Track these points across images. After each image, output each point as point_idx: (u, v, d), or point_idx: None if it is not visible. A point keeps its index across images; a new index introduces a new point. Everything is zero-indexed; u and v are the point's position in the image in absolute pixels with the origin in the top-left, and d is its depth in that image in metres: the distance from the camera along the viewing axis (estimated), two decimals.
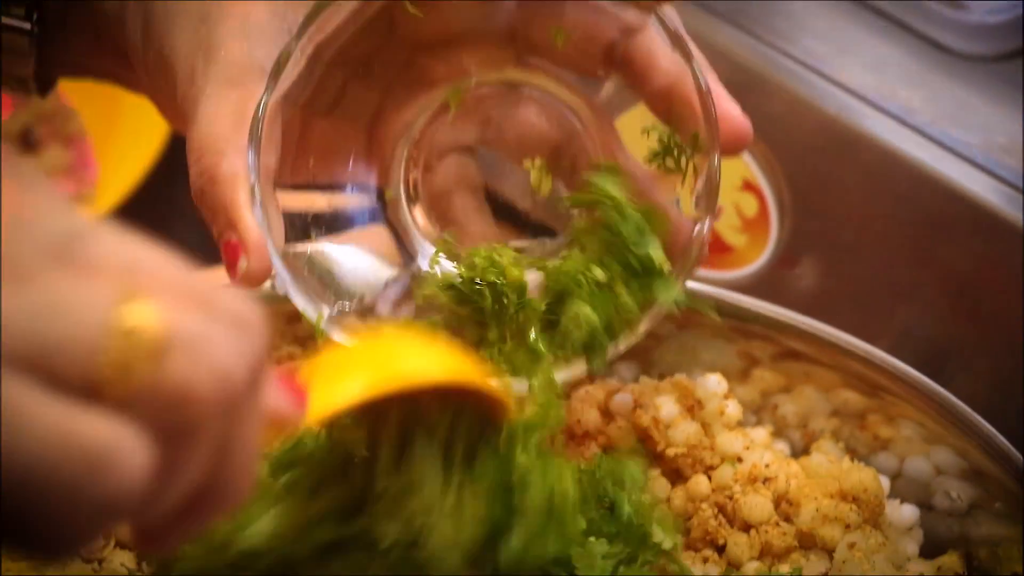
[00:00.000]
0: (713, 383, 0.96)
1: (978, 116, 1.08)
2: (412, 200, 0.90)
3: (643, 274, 0.83)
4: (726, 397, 0.96)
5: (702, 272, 1.10)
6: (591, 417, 0.95)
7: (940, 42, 1.10)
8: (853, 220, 1.08)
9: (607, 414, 0.96)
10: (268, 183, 0.83)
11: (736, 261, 1.11)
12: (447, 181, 0.90)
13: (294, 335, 0.96)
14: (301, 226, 0.86)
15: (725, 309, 0.99)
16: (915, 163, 1.05)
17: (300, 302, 0.82)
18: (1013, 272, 1.01)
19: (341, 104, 0.86)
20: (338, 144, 0.88)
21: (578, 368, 0.84)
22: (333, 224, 0.88)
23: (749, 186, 1.09)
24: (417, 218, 0.90)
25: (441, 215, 0.90)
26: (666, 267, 0.82)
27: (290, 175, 0.85)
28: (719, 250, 1.11)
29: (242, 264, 0.81)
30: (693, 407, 0.95)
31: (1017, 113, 1.07)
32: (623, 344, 0.84)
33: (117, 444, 0.50)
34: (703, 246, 0.83)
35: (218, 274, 0.81)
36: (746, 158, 1.09)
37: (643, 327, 0.84)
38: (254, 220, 0.80)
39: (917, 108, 1.08)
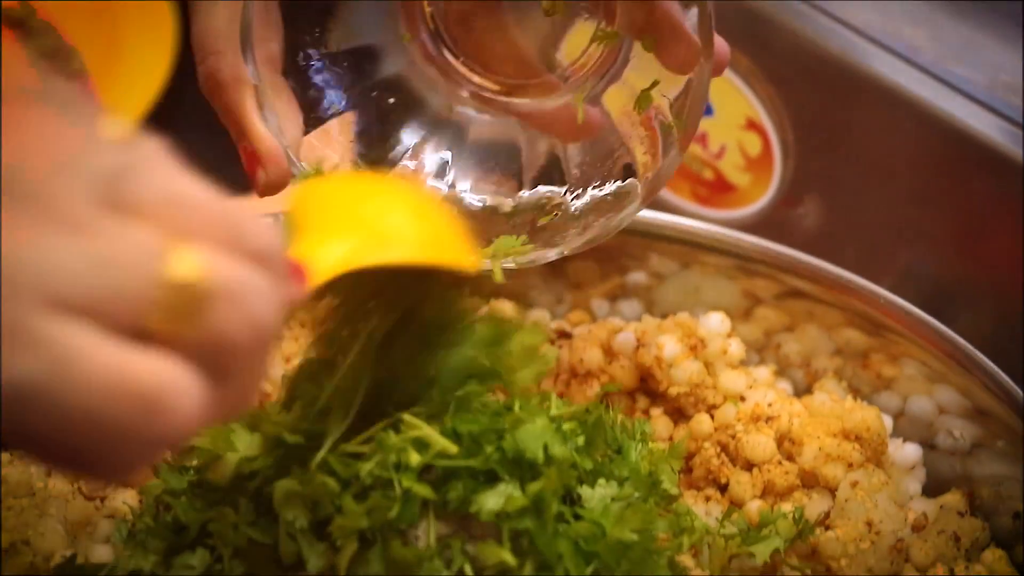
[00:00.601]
0: (716, 322, 0.95)
1: (983, 55, 1.06)
2: (436, 39, 0.88)
3: None
4: (729, 336, 0.95)
5: (705, 211, 1.09)
6: (593, 356, 0.94)
7: None
8: (857, 159, 1.07)
9: (609, 353, 0.95)
10: (275, 73, 0.81)
11: (739, 200, 1.10)
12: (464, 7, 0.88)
13: None
14: (319, 106, 0.85)
15: (728, 248, 0.98)
16: (919, 102, 1.03)
17: None
18: (1017, 210, 0.99)
19: None
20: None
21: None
22: (352, 86, 0.86)
23: (752, 125, 1.08)
24: (445, 54, 0.88)
25: (465, 44, 0.88)
26: None
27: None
28: (722, 190, 1.10)
29: (260, 175, 0.82)
30: (696, 346, 0.94)
31: (1021, 51, 1.05)
32: None
33: (172, 385, 0.53)
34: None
35: (247, 202, 0.81)
36: (750, 97, 1.07)
37: None
38: (263, 127, 0.80)
39: (922, 47, 1.06)
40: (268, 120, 0.81)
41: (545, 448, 0.76)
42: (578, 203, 0.86)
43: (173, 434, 0.54)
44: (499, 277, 0.82)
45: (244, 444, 0.78)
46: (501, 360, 0.78)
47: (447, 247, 0.73)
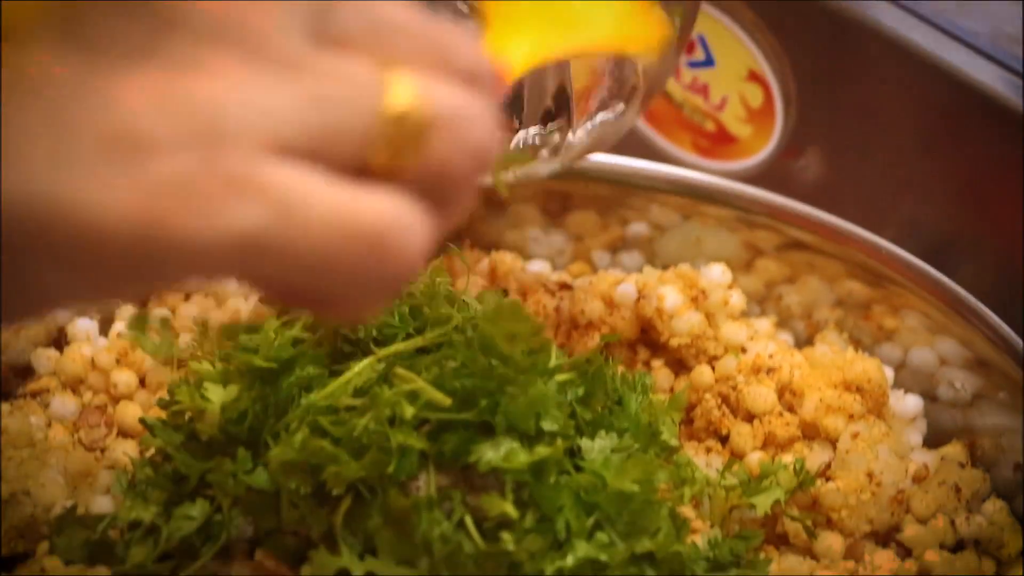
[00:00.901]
0: (717, 273, 0.94)
1: (985, 5, 1.05)
2: None
3: None
4: (730, 287, 0.94)
5: (707, 163, 1.08)
6: (594, 307, 0.93)
7: None
8: (859, 110, 1.05)
9: (610, 304, 0.94)
10: None
11: (741, 152, 1.09)
12: None
13: None
14: None
15: (730, 199, 0.97)
16: (922, 52, 1.02)
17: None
18: (1019, 162, 0.98)
19: None
20: None
21: None
22: None
23: (754, 76, 1.07)
24: None
25: None
26: None
27: None
28: (723, 141, 1.09)
29: None
30: (697, 297, 0.93)
31: (1022, 3, 1.04)
32: None
33: (399, 222, 0.52)
34: None
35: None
36: (752, 48, 1.06)
37: None
38: None
39: None
40: None
41: (537, 417, 0.76)
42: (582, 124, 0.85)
43: (404, 271, 0.53)
44: (503, 191, 0.81)
45: (218, 395, 0.78)
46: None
47: (635, 29, 0.71)
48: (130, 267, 0.50)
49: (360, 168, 0.52)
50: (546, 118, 0.85)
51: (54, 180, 0.48)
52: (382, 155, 0.52)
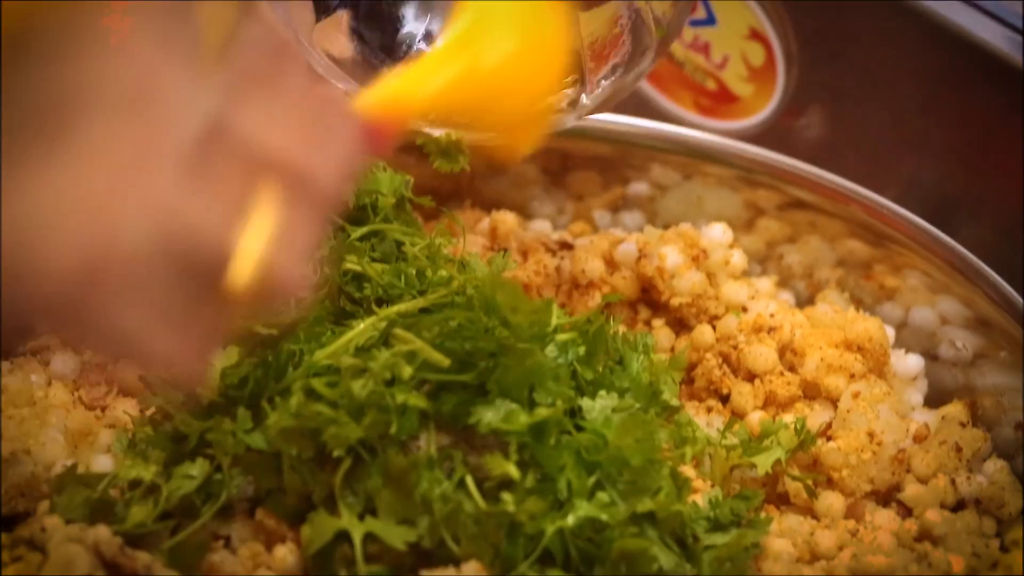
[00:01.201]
0: (718, 233, 0.94)
1: None
2: None
3: None
4: (731, 247, 0.94)
5: (708, 122, 1.07)
6: (595, 267, 0.92)
7: None
8: (860, 69, 1.04)
9: (611, 264, 0.93)
10: None
11: (742, 111, 1.08)
12: None
13: None
14: None
15: (731, 158, 0.96)
16: (924, 10, 1.01)
17: (339, 84, 0.81)
18: (1020, 120, 0.97)
19: None
20: None
21: None
22: None
23: (756, 35, 1.06)
24: None
25: None
26: None
27: None
28: (725, 100, 1.08)
29: None
30: (698, 257, 0.92)
31: None
32: None
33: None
34: None
35: None
36: (753, 6, 1.05)
37: None
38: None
39: None
40: (277, 10, 0.79)
41: (531, 389, 0.75)
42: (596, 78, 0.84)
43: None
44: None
45: (217, 359, 0.77)
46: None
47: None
48: None
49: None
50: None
51: None
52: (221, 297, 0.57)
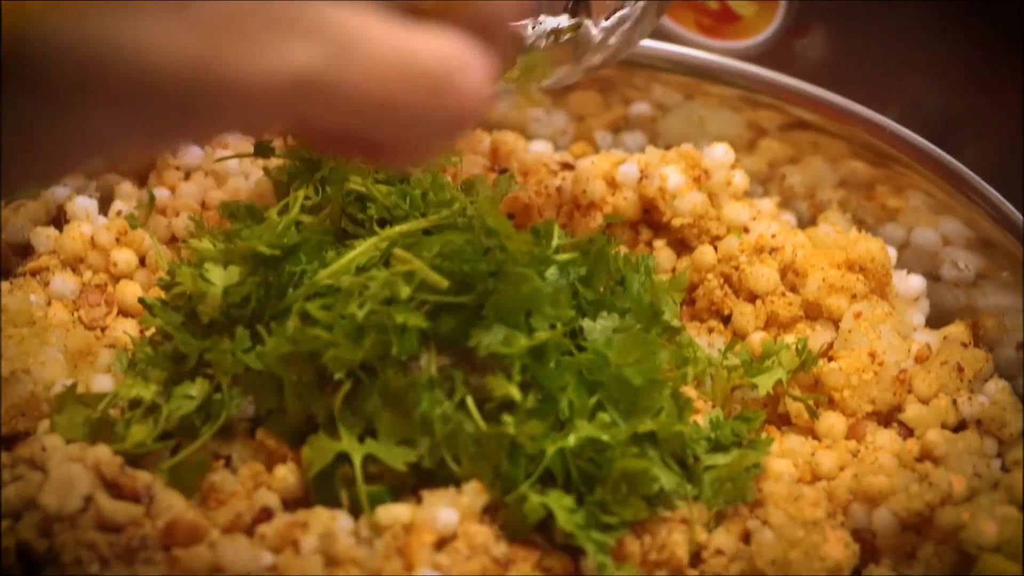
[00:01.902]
0: (720, 153, 0.92)
1: None
2: None
3: None
4: (733, 167, 0.92)
5: (710, 42, 1.05)
6: (596, 187, 0.90)
7: None
8: None
9: (612, 184, 0.91)
10: None
11: (744, 31, 1.06)
12: None
13: None
14: None
15: (733, 79, 0.94)
16: None
17: None
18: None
19: None
20: None
21: None
22: None
23: None
24: None
25: None
26: None
27: None
28: (727, 20, 1.06)
29: None
30: (700, 177, 0.90)
31: None
32: None
33: (458, 61, 0.52)
34: None
35: None
36: None
37: None
38: None
39: None
40: None
41: (527, 314, 0.74)
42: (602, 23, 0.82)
43: (468, 110, 0.53)
44: (533, 98, 0.78)
45: (219, 277, 0.76)
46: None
47: None
48: (185, 108, 0.50)
49: (416, 9, 0.52)
50: (570, 10, 0.81)
51: (109, 23, 0.48)
52: (431, 9, 0.53)
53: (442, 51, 0.51)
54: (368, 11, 0.50)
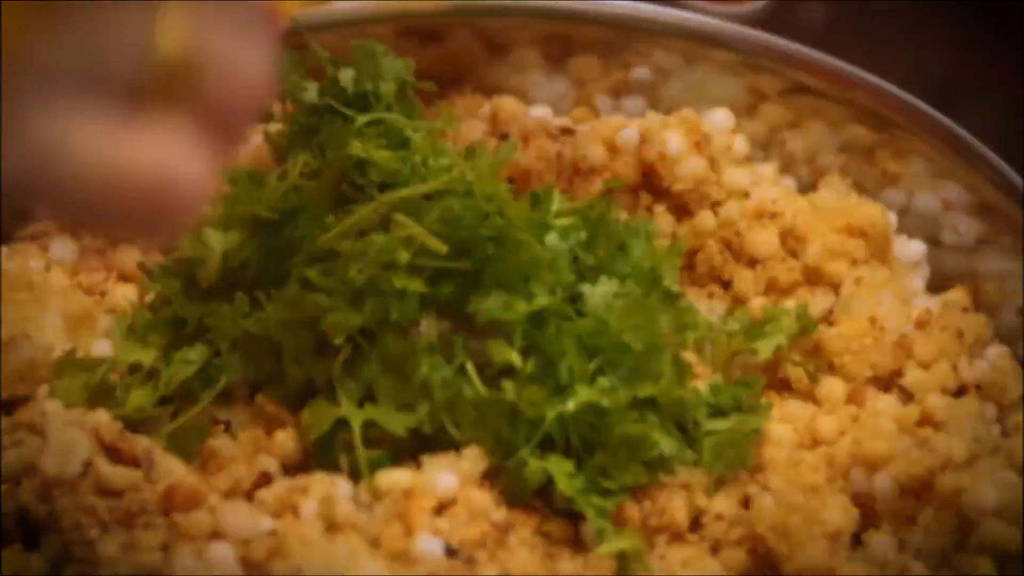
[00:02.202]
0: (721, 118, 0.91)
1: None
2: None
3: None
4: (733, 132, 0.91)
5: (711, 6, 1.04)
6: (596, 153, 0.89)
7: None
8: None
9: (613, 149, 0.90)
10: None
11: None
12: None
13: None
14: None
15: (734, 43, 0.93)
16: None
17: None
18: None
19: None
20: None
21: None
22: None
23: None
24: None
25: None
26: None
27: None
28: None
29: None
30: (700, 142, 0.89)
31: None
32: None
33: (174, 171, 0.51)
34: None
35: None
36: None
37: None
38: None
39: None
40: None
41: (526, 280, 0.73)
42: None
43: (182, 213, 0.52)
44: None
45: (219, 242, 0.76)
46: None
47: None
48: None
49: (138, 108, 0.50)
50: None
51: None
52: (157, 94, 0.50)
53: (157, 161, 0.50)
54: (83, 113, 0.49)
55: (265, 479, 0.72)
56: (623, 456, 0.72)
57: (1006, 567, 0.73)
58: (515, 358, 0.72)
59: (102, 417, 0.73)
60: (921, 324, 0.85)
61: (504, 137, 0.90)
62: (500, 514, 0.71)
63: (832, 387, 0.82)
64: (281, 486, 0.72)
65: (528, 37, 0.96)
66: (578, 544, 0.73)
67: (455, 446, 0.72)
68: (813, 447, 0.79)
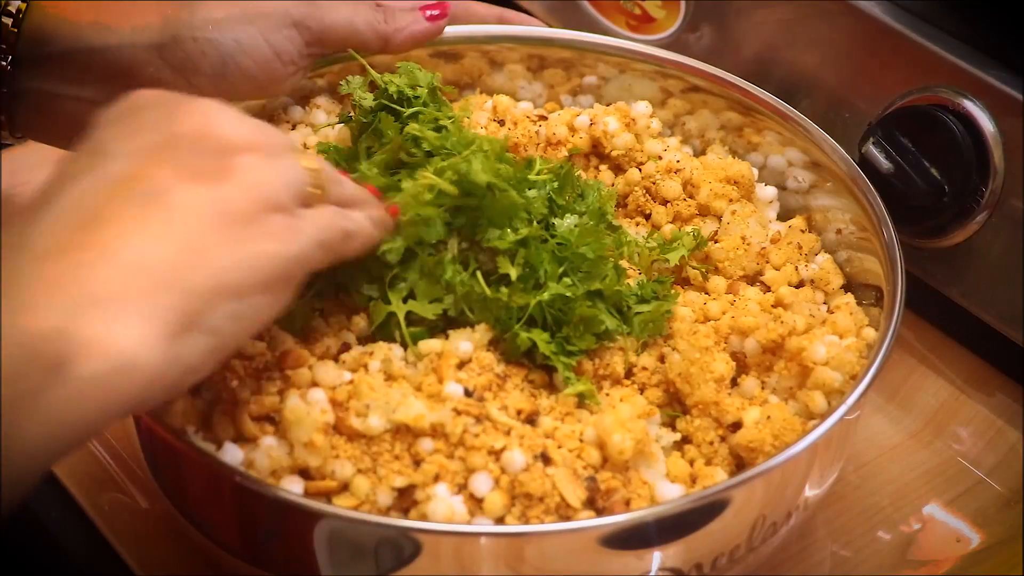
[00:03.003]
0: (643, 107, 0.86)
1: None
2: None
3: None
4: (651, 117, 0.86)
5: (636, 36, 0.99)
6: (562, 131, 0.84)
7: None
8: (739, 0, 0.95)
9: (572, 129, 0.85)
10: None
11: (658, 28, 0.99)
12: None
13: None
14: None
15: (651, 59, 0.88)
16: None
17: None
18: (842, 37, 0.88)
19: None
20: None
21: None
22: None
23: None
24: None
25: None
26: None
27: None
28: (646, 20, 0.99)
29: None
30: (629, 123, 0.84)
31: None
32: None
33: (349, 225, 0.60)
34: None
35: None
36: None
37: None
38: None
39: None
40: None
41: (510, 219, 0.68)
42: None
43: (362, 244, 0.62)
44: None
45: None
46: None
47: None
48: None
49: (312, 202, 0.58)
50: None
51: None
52: (316, 195, 0.58)
53: (338, 222, 0.60)
54: (294, 210, 0.57)
55: (346, 347, 0.68)
56: (581, 329, 0.68)
57: (830, 401, 0.70)
58: (512, 271, 0.68)
59: None
60: (774, 241, 0.80)
61: (501, 123, 0.85)
62: (500, 368, 0.67)
63: (717, 283, 0.77)
64: (356, 351, 0.68)
65: (516, 56, 0.91)
66: (552, 388, 0.69)
67: (471, 324, 0.68)
68: (705, 322, 0.75)
